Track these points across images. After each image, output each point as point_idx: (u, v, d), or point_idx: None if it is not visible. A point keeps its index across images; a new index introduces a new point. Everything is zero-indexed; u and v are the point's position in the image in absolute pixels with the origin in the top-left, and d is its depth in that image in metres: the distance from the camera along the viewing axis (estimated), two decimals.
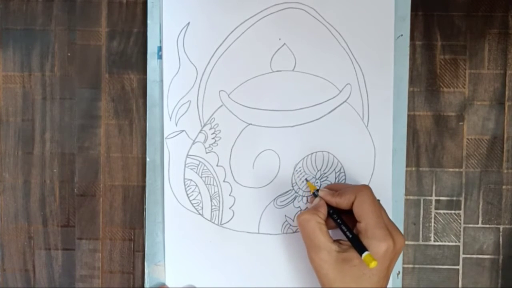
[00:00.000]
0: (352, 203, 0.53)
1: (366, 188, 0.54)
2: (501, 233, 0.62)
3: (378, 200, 0.54)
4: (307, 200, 0.61)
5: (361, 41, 0.60)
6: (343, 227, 0.53)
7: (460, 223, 0.62)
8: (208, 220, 0.61)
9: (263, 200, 0.61)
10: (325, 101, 0.61)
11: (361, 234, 0.52)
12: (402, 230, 0.61)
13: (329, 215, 0.55)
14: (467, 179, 0.62)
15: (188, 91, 0.60)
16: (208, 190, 0.61)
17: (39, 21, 0.61)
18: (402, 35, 0.61)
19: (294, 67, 0.60)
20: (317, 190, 0.57)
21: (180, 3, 0.60)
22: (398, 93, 0.61)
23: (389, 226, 0.52)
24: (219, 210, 0.61)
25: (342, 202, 0.54)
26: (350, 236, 0.52)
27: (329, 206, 0.55)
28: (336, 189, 0.56)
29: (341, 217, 0.54)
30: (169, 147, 0.60)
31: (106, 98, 0.62)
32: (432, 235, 0.62)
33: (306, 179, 0.60)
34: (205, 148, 0.61)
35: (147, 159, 0.61)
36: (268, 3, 0.60)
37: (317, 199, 0.56)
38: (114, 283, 0.62)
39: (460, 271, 0.62)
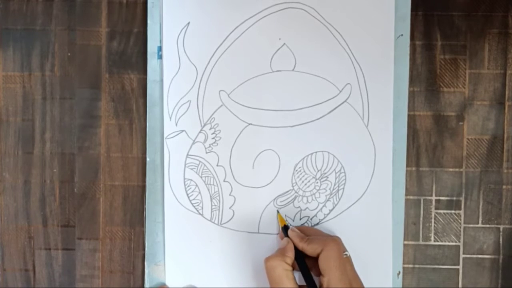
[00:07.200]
0: (318, 254, 0.53)
1: (335, 241, 0.54)
2: (501, 233, 0.62)
3: (345, 255, 0.53)
4: (307, 200, 0.61)
5: (361, 41, 0.60)
6: (307, 278, 0.54)
7: (460, 223, 0.62)
8: (208, 220, 0.61)
9: (263, 200, 0.61)
10: (325, 101, 0.61)
11: None
12: (402, 230, 0.61)
13: (296, 258, 0.55)
14: (467, 179, 0.62)
15: (188, 91, 0.60)
16: (208, 190, 0.61)
17: (39, 21, 0.61)
18: (402, 35, 0.61)
19: (294, 67, 0.60)
20: (286, 227, 0.57)
21: (180, 3, 0.60)
22: (398, 93, 0.61)
23: (353, 282, 0.52)
24: (219, 210, 0.61)
25: (308, 250, 0.54)
26: None
27: (297, 250, 0.55)
28: (307, 232, 0.57)
29: (306, 265, 0.54)
30: (169, 147, 0.60)
31: (106, 98, 0.62)
32: (432, 235, 0.62)
33: (277, 210, 0.60)
34: (205, 148, 0.61)
35: (147, 159, 0.61)
36: (268, 3, 0.60)
37: (285, 241, 0.56)
38: (114, 283, 0.62)
39: (460, 271, 0.62)
